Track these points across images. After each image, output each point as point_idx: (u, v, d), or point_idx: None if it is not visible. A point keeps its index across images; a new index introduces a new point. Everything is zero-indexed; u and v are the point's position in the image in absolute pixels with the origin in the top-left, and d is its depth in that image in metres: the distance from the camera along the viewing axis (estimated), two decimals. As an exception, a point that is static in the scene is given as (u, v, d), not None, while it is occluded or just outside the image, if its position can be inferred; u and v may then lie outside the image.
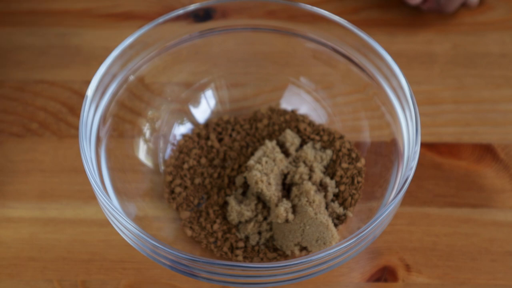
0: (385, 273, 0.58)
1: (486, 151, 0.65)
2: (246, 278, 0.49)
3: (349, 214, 0.58)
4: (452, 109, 0.68)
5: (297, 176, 0.59)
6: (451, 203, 0.61)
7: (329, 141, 0.62)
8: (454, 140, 0.65)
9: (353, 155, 0.61)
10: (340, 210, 0.58)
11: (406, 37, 0.73)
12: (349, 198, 0.58)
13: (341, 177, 0.60)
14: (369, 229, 0.49)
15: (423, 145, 0.65)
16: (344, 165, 0.60)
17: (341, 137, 0.62)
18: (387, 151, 0.59)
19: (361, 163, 0.60)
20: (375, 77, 0.60)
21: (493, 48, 0.72)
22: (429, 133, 0.66)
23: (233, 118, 0.64)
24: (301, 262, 0.48)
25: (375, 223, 0.49)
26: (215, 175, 0.61)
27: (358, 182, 0.59)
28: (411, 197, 0.62)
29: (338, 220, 0.58)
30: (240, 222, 0.58)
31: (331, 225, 0.55)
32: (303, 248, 0.56)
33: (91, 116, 0.56)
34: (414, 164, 0.52)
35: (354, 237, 0.49)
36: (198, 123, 0.64)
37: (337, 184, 0.60)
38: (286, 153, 0.61)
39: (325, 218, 0.55)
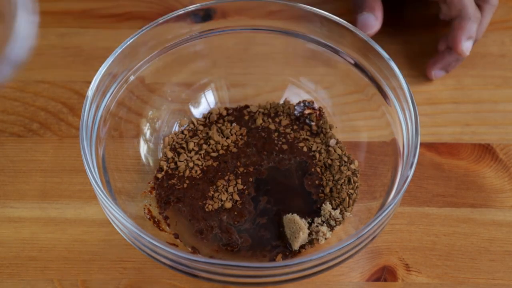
0: (385, 273, 0.58)
1: (486, 151, 0.65)
2: (246, 278, 0.49)
3: (348, 214, 0.58)
4: (451, 109, 0.68)
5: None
6: (450, 203, 0.62)
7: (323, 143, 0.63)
8: (454, 140, 0.66)
9: (345, 158, 0.61)
10: (336, 213, 0.58)
11: (406, 37, 0.73)
12: (347, 198, 0.59)
13: (338, 179, 0.60)
14: (368, 229, 0.49)
15: (423, 145, 0.65)
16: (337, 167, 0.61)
17: (337, 142, 0.63)
18: (387, 151, 0.59)
19: (355, 165, 0.61)
20: (375, 77, 0.60)
21: (493, 48, 0.72)
22: (428, 133, 0.66)
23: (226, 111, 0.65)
24: (301, 262, 0.48)
25: (375, 223, 0.50)
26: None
27: (354, 182, 0.60)
28: (411, 197, 0.62)
29: (335, 221, 0.58)
30: None
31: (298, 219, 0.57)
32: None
33: (92, 116, 0.56)
34: (413, 164, 0.52)
35: (354, 237, 0.49)
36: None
37: (334, 185, 0.60)
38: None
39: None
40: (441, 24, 0.73)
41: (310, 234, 0.57)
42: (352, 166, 0.61)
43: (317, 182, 0.60)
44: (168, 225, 0.58)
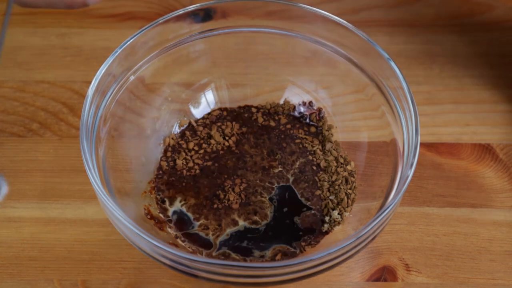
0: (385, 273, 0.58)
1: (486, 151, 0.65)
2: (246, 278, 0.49)
3: (347, 214, 0.58)
4: (451, 109, 0.68)
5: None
6: (450, 203, 0.62)
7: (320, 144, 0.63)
8: (454, 140, 0.66)
9: (341, 160, 0.61)
10: (335, 213, 0.58)
11: (406, 37, 0.73)
12: (345, 198, 0.59)
13: (335, 179, 0.60)
14: (368, 229, 0.49)
15: (423, 145, 0.65)
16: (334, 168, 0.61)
17: (334, 143, 0.63)
18: (387, 151, 0.59)
19: (351, 166, 0.61)
20: (375, 77, 0.60)
21: (493, 48, 0.72)
22: (428, 133, 0.66)
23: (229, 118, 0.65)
24: (301, 262, 0.48)
25: (375, 224, 0.49)
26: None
27: (352, 182, 0.60)
28: (411, 197, 0.62)
29: (334, 221, 0.58)
30: None
31: None
32: None
33: (92, 116, 0.56)
34: (413, 164, 0.52)
35: (354, 238, 0.49)
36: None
37: (331, 185, 0.60)
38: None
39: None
40: (441, 24, 0.73)
41: (323, 223, 0.57)
42: (349, 167, 0.61)
43: (315, 181, 0.60)
44: (169, 226, 0.58)
